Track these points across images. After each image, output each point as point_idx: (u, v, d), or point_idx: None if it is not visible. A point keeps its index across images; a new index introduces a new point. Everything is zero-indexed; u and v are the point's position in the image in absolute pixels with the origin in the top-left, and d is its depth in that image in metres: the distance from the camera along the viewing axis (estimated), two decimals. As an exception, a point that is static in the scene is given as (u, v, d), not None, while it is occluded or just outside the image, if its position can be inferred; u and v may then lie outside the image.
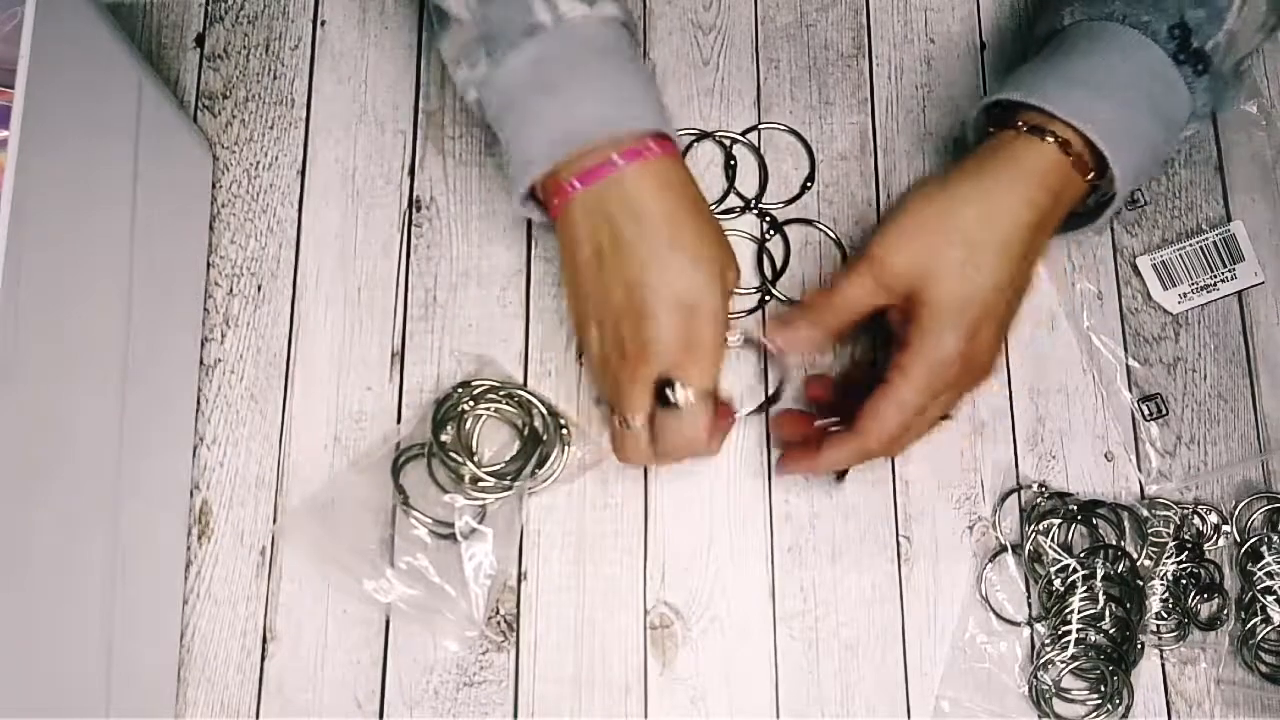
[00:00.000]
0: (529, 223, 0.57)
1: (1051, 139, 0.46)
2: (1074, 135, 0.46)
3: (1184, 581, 0.52)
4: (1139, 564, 0.52)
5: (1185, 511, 0.53)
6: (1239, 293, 0.56)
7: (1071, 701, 0.51)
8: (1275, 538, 0.52)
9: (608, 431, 0.52)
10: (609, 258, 0.45)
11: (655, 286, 0.45)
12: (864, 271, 0.48)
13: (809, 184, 0.57)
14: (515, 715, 0.51)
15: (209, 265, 0.57)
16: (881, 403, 0.46)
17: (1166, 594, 0.52)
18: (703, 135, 0.58)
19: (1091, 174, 0.47)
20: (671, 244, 0.45)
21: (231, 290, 0.56)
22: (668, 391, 0.45)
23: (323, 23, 0.60)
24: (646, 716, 0.51)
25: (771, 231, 0.57)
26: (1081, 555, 0.52)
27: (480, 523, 0.52)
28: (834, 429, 0.49)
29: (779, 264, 0.56)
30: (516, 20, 0.45)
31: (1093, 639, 0.51)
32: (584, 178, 0.45)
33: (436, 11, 0.49)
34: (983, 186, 0.47)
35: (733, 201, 0.57)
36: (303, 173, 0.58)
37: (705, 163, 0.58)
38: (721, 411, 0.49)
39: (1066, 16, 0.50)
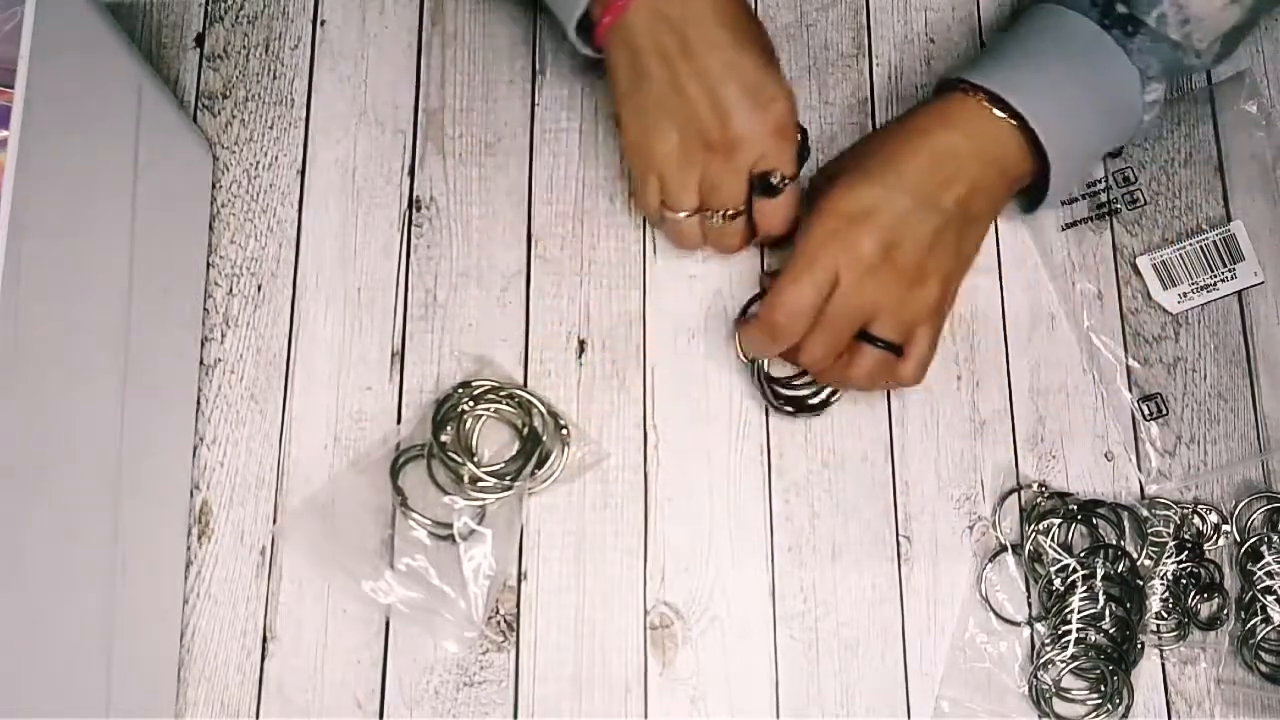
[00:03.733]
0: (529, 223, 0.57)
1: (974, 94, 0.49)
2: (1005, 109, 0.49)
3: (1184, 581, 0.52)
4: (1139, 564, 0.52)
5: (1185, 511, 0.53)
6: (1239, 292, 0.56)
7: (1071, 701, 0.51)
8: (1275, 538, 0.52)
9: (672, 230, 0.54)
10: (679, 62, 0.47)
11: (735, 84, 0.47)
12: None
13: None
14: (515, 715, 0.51)
15: (209, 265, 0.57)
16: (782, 275, 0.48)
17: (1166, 594, 0.52)
18: None
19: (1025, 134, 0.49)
20: (739, 45, 0.48)
21: (231, 290, 0.56)
22: (771, 180, 0.49)
23: (322, 22, 0.60)
24: (646, 716, 0.51)
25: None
26: (1081, 555, 0.52)
27: (480, 523, 0.52)
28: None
29: None
30: None
31: (1093, 639, 0.51)
32: None
33: None
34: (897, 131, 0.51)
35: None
36: (303, 173, 0.58)
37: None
38: None
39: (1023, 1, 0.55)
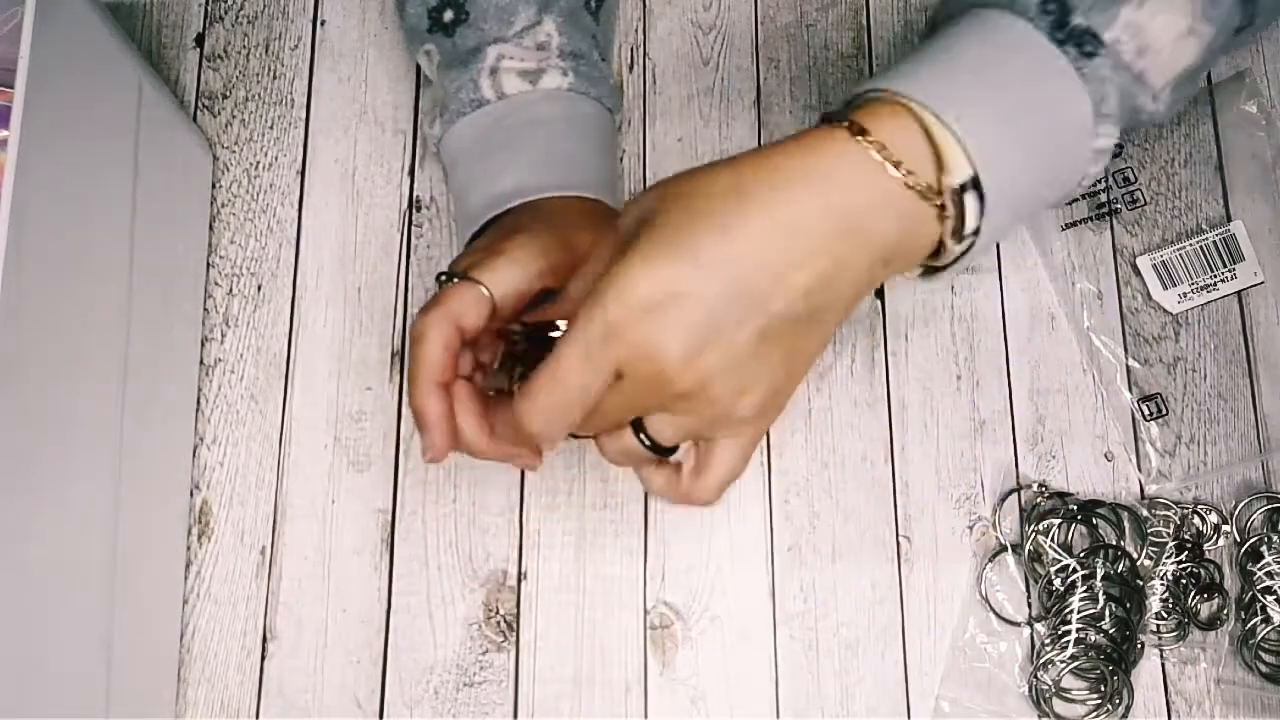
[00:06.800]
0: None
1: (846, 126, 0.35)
2: (905, 114, 0.36)
3: (1184, 581, 0.52)
4: (1139, 564, 0.52)
5: (1185, 511, 0.53)
6: (1239, 293, 0.56)
7: (1071, 701, 0.51)
8: (1275, 538, 0.52)
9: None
10: None
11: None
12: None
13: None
14: (515, 715, 0.51)
15: (209, 265, 0.57)
16: (541, 372, 0.35)
17: (1166, 594, 0.52)
18: None
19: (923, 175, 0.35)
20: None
21: (231, 290, 0.56)
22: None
23: (322, 23, 0.60)
24: (646, 716, 0.51)
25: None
26: (1081, 555, 0.52)
27: None
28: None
29: None
30: (465, 92, 0.49)
31: (1093, 639, 0.51)
32: None
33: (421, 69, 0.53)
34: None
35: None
36: (303, 173, 0.58)
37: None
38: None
39: (944, 9, 0.43)
